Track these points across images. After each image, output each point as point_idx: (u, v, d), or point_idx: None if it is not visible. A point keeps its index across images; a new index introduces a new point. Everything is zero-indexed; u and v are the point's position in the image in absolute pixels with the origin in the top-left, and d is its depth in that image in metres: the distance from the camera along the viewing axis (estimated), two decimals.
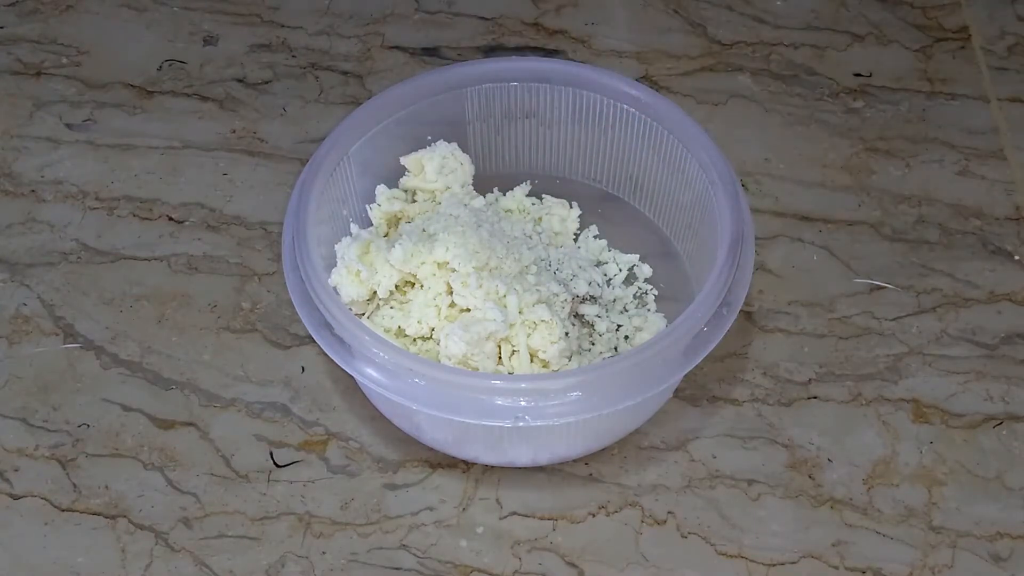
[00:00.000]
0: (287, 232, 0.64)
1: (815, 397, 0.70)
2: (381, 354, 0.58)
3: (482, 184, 0.74)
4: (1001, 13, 0.91)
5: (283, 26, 0.90)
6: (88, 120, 0.84)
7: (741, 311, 0.64)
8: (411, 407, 0.59)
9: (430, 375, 0.58)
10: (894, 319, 0.73)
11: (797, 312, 0.74)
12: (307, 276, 0.62)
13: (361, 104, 0.70)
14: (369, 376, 0.59)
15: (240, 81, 0.86)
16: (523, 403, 0.57)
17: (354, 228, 0.68)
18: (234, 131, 0.83)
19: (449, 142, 0.71)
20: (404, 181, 0.71)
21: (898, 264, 0.76)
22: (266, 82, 0.86)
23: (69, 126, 0.84)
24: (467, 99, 0.72)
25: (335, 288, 0.64)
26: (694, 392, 0.70)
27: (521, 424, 0.57)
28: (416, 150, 0.71)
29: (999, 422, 0.69)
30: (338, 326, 0.60)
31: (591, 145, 0.74)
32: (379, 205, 0.70)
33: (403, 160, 0.71)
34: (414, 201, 0.71)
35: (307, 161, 0.67)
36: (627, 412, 0.63)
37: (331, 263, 0.66)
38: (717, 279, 0.61)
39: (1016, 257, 0.76)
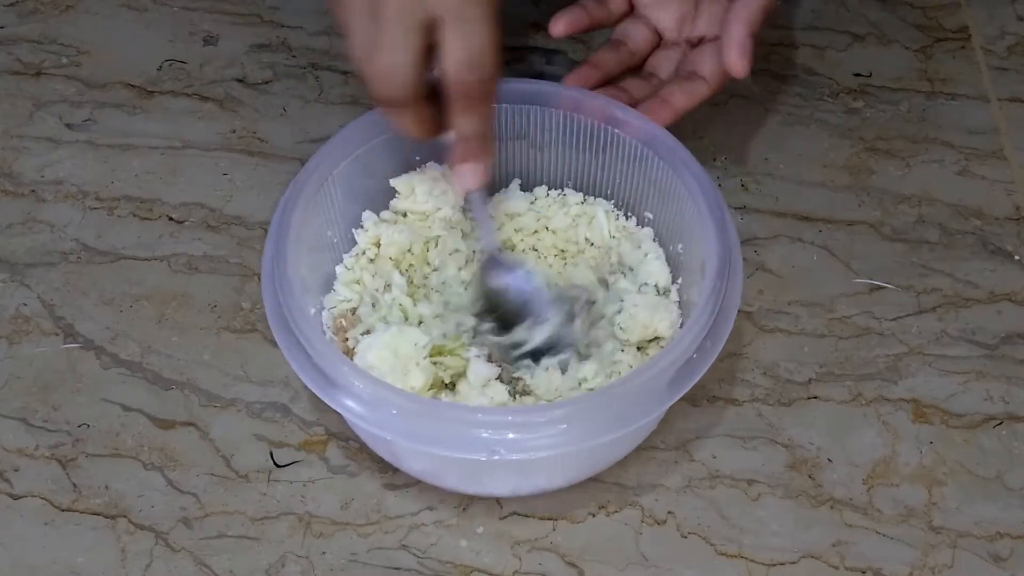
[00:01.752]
0: (267, 256, 0.63)
1: (815, 397, 0.70)
2: (358, 384, 0.57)
3: None
4: (1001, 13, 0.91)
5: (283, 26, 0.90)
6: (88, 120, 0.84)
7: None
8: (386, 437, 0.58)
9: (406, 406, 0.57)
10: (894, 319, 0.73)
11: (797, 312, 0.73)
12: (285, 304, 0.60)
13: (347, 125, 0.68)
14: (348, 408, 0.58)
15: (240, 81, 0.86)
16: (509, 436, 0.56)
17: (339, 268, 0.69)
18: (234, 131, 0.83)
19: (440, 164, 0.70)
20: (395, 203, 0.71)
21: (898, 264, 0.76)
22: (266, 82, 0.86)
23: (69, 126, 0.84)
24: None
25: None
26: (694, 392, 0.69)
27: (496, 458, 0.56)
28: (405, 172, 0.70)
29: (999, 422, 0.69)
30: (316, 354, 0.58)
31: (582, 167, 0.73)
32: (366, 230, 0.70)
33: (393, 182, 0.70)
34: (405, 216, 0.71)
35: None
36: (607, 445, 0.61)
37: (312, 287, 0.66)
38: (702, 311, 0.60)
39: (1016, 257, 0.76)
